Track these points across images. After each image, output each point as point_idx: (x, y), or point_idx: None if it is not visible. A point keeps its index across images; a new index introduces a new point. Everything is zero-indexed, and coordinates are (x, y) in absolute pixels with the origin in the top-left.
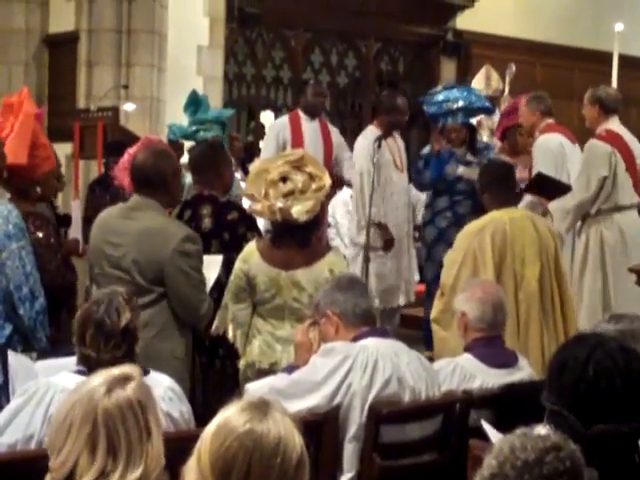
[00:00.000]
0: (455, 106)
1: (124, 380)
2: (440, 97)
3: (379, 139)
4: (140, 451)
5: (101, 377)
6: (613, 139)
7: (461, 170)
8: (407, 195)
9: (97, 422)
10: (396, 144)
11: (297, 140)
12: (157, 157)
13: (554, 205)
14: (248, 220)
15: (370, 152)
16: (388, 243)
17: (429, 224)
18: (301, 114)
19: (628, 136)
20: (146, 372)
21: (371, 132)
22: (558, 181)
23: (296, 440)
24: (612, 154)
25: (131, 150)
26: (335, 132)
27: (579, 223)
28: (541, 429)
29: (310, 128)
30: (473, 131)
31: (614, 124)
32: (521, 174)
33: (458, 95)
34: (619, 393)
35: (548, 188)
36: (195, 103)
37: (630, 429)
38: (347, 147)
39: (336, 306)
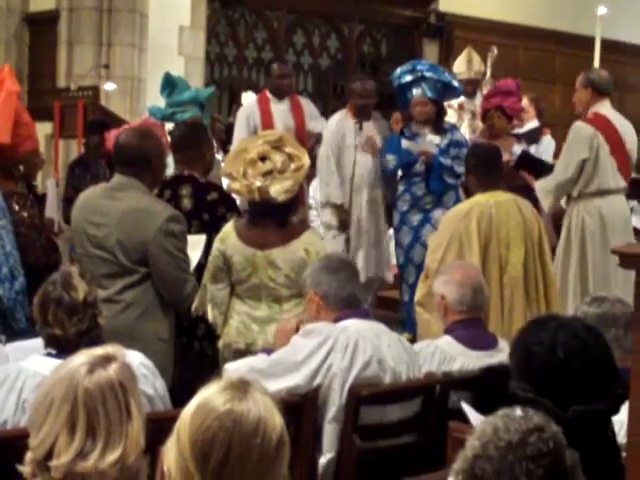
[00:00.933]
0: (420, 75)
1: (106, 360)
2: (404, 68)
3: (360, 122)
4: (120, 432)
5: (83, 356)
6: (599, 122)
7: (405, 144)
8: (373, 177)
9: (77, 402)
10: (371, 127)
11: (267, 122)
12: (142, 137)
13: (539, 184)
14: (228, 201)
15: (333, 136)
16: (342, 224)
17: (393, 209)
18: (269, 95)
19: (618, 120)
20: None
21: (340, 115)
22: (542, 160)
23: (276, 420)
24: (594, 137)
25: (127, 126)
26: (307, 103)
27: (563, 205)
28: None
29: (279, 109)
30: (441, 111)
31: (604, 107)
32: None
33: (422, 67)
34: (592, 372)
35: (534, 166)
36: (170, 85)
37: (607, 406)
38: (319, 115)
39: (320, 288)
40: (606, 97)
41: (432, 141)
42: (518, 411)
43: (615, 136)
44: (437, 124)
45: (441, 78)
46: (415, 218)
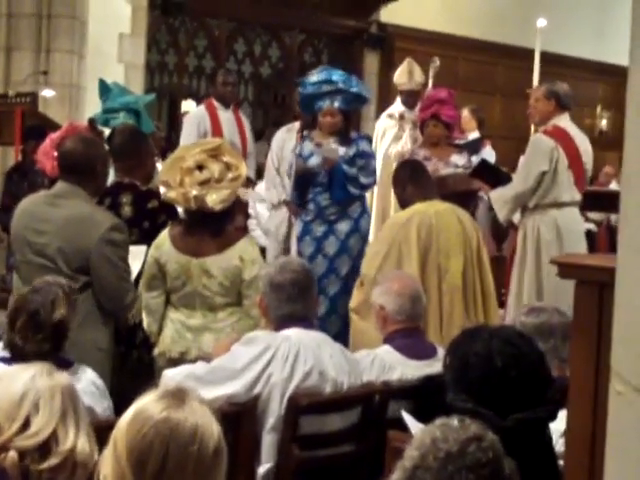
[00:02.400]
0: (336, 87)
1: (53, 370)
2: (320, 77)
3: (301, 131)
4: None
5: (31, 367)
6: (559, 135)
7: (310, 147)
8: None
9: (65, 395)
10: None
11: (216, 130)
12: (87, 145)
13: (495, 194)
14: (169, 209)
15: (275, 145)
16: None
17: (298, 218)
18: (216, 104)
19: (576, 133)
20: (70, 364)
21: (289, 125)
22: (499, 169)
23: (213, 429)
24: (554, 149)
25: (54, 135)
26: (245, 120)
27: (518, 216)
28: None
29: (225, 117)
30: (348, 121)
31: (564, 120)
32: (436, 165)
33: (338, 78)
34: (529, 378)
35: (490, 176)
36: (105, 92)
37: (546, 413)
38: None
39: (265, 296)
40: (567, 111)
41: (336, 149)
42: (456, 420)
43: (573, 150)
44: (344, 135)
45: (354, 90)
46: (319, 229)
